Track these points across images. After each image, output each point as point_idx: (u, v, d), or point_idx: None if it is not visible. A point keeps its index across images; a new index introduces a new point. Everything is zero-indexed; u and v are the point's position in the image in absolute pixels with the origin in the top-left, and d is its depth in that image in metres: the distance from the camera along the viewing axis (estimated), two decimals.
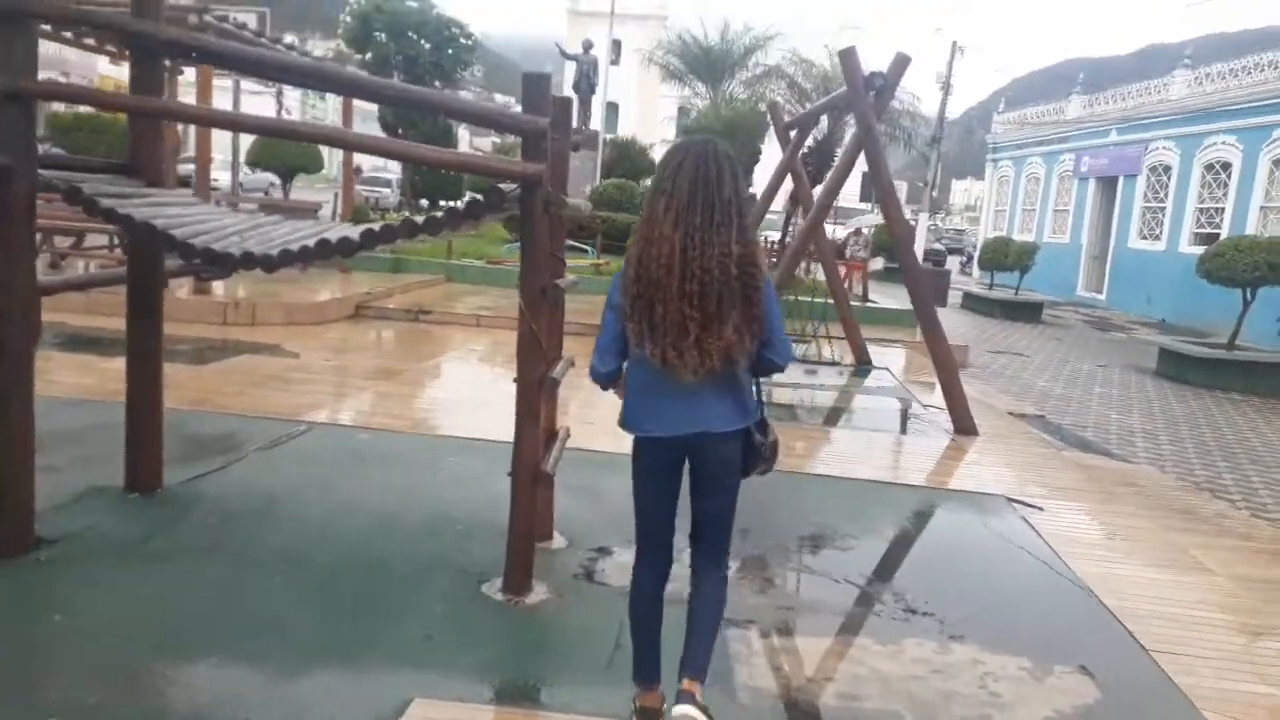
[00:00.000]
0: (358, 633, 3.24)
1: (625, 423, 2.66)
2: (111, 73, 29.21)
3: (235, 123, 3.92)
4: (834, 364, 10.01)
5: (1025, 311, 20.17)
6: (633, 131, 31.85)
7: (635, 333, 2.51)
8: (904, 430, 7.73)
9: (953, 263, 32.17)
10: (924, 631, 3.61)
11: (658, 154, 27.66)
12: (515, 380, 3.50)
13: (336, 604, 3.44)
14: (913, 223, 28.83)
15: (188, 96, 10.95)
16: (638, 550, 2.76)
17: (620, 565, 4.00)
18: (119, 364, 4.63)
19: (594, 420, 6.76)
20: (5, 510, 3.59)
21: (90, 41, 9.31)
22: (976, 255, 28.33)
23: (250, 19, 11.36)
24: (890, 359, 10.66)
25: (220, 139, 20.55)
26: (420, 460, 5.30)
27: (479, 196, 3.43)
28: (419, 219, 3.55)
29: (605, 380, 2.69)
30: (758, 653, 3.34)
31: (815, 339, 10.17)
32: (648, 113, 46.02)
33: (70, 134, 16.70)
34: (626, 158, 23.77)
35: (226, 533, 4.03)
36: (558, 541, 4.19)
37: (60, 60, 34.18)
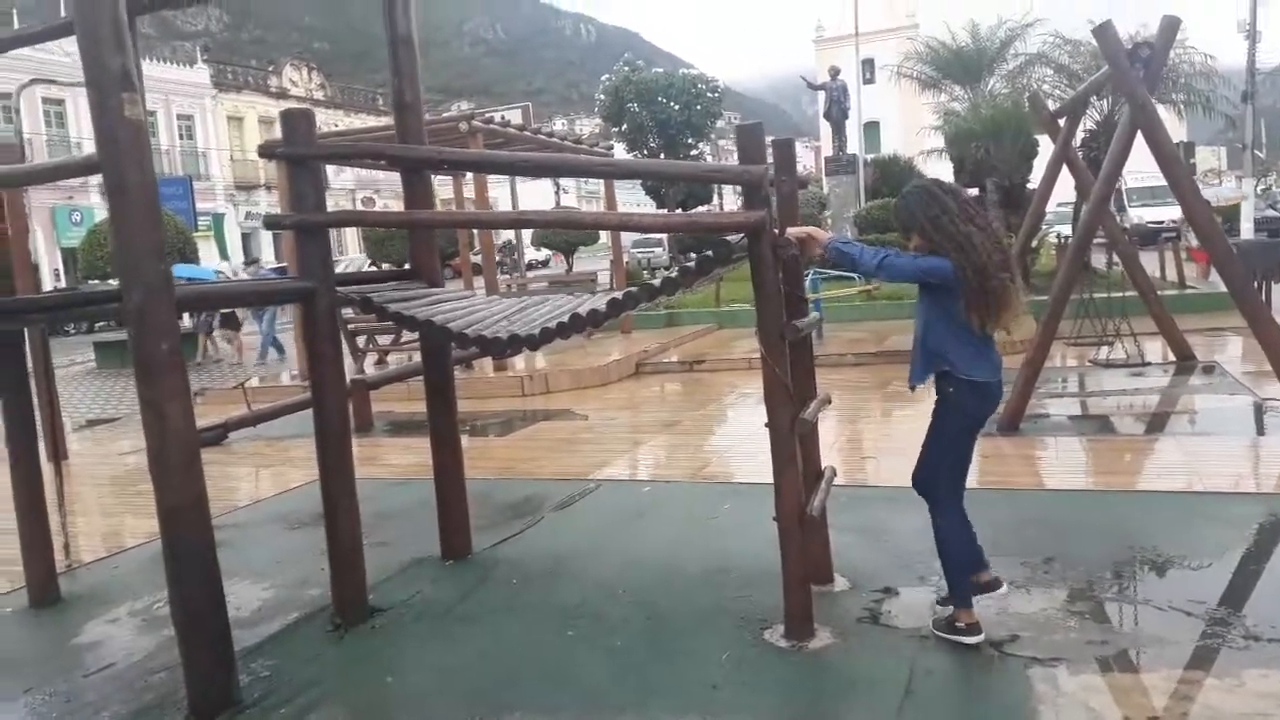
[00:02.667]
0: (647, 683, 3.35)
1: (964, 369, 3.30)
2: None
3: (479, 221, 4.30)
4: (1146, 364, 9.01)
5: None
6: (896, 148, 30.91)
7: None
8: (1243, 430, 6.76)
9: None
10: (1270, 661, 3.11)
11: (923, 166, 26.67)
12: (767, 426, 3.50)
13: (625, 655, 3.58)
14: (1236, 193, 25.47)
15: (471, 190, 12.13)
16: (956, 497, 3.46)
17: (906, 606, 3.84)
18: None
19: (877, 453, 6.57)
20: (345, 584, 4.10)
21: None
22: None
23: (515, 115, 12.43)
24: (1221, 351, 9.43)
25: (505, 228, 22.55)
26: (699, 509, 5.41)
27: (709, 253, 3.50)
28: (657, 282, 3.68)
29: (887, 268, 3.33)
30: (1065, 693, 3.04)
31: (1120, 338, 9.23)
32: (909, 126, 44.44)
33: (383, 245, 19.10)
34: (891, 175, 23.15)
35: (525, 592, 4.33)
36: (839, 584, 4.09)
37: (372, 180, 39.31)
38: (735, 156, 3.51)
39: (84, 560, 5.24)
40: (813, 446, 4.00)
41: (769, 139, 3.65)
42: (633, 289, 3.70)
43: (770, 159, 3.65)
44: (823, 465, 4.12)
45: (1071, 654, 3.26)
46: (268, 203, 39.35)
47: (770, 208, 3.28)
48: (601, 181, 16.50)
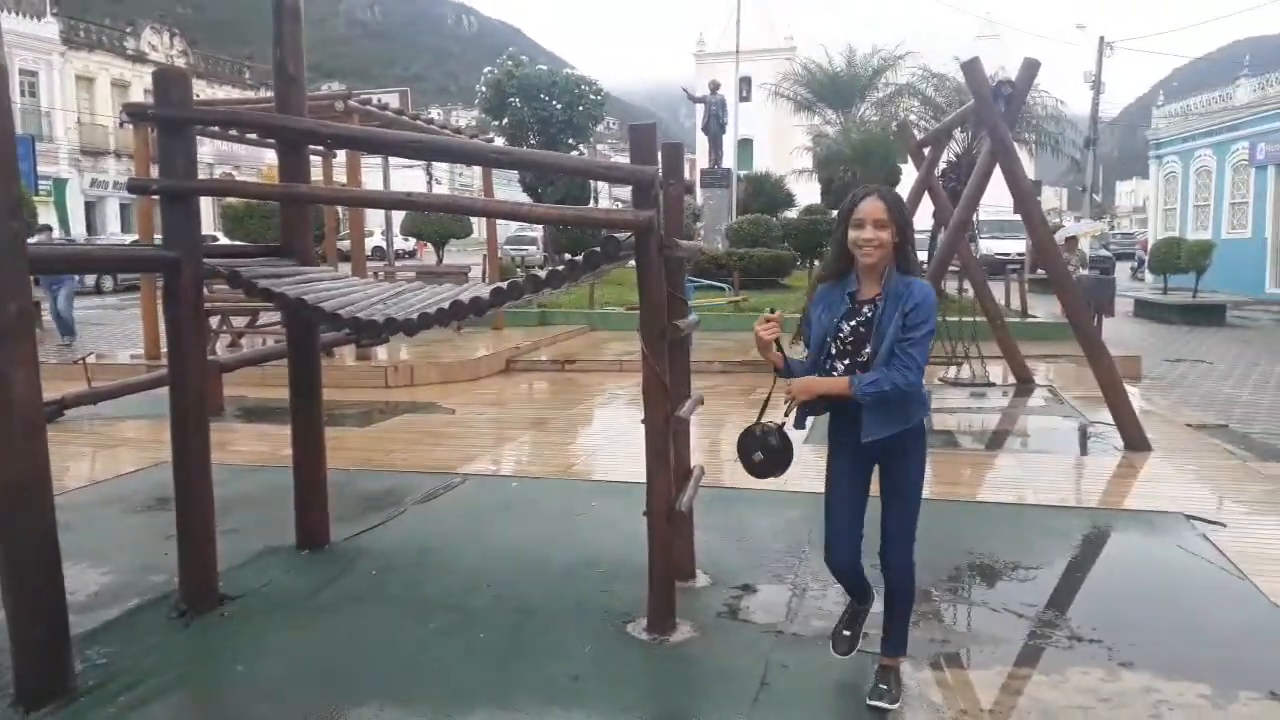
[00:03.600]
0: (508, 675, 3.35)
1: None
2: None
3: (366, 200, 4.19)
4: (989, 384, 9.60)
5: (1206, 314, 18.73)
6: (767, 165, 31.86)
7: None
8: (1071, 450, 7.31)
9: (1123, 269, 30.28)
10: (1090, 659, 3.39)
11: (793, 185, 27.57)
12: (643, 422, 3.56)
13: (488, 648, 3.57)
14: (1095, 225, 27.32)
15: (341, 175, 11.79)
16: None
17: (762, 602, 3.97)
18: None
19: (735, 457, 6.75)
20: (194, 571, 3.92)
21: (252, 136, 10.16)
22: (1147, 259, 26.57)
23: (393, 99, 12.16)
24: (1056, 376, 10.14)
25: (375, 214, 21.96)
26: (566, 505, 5.44)
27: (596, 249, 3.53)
28: (541, 274, 3.69)
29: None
30: (909, 688, 3.22)
31: (969, 359, 9.80)
32: (781, 145, 45.90)
33: (243, 221, 18.27)
34: (762, 192, 23.79)
35: (386, 583, 4.25)
36: (701, 580, 4.19)
37: (231, 155, 37.56)
38: (615, 160, 3.55)
39: None
40: (684, 445, 4.09)
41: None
42: (518, 280, 3.70)
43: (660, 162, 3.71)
44: (692, 464, 4.22)
45: (915, 651, 3.44)
46: (117, 170, 36.91)
47: (659, 208, 3.34)
48: (477, 175, 16.29)
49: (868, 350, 2.87)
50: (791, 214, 23.29)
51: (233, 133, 9.58)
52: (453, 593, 4.10)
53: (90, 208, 36.63)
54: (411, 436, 7.52)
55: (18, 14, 35.00)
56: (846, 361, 2.91)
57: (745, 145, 37.88)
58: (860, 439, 2.90)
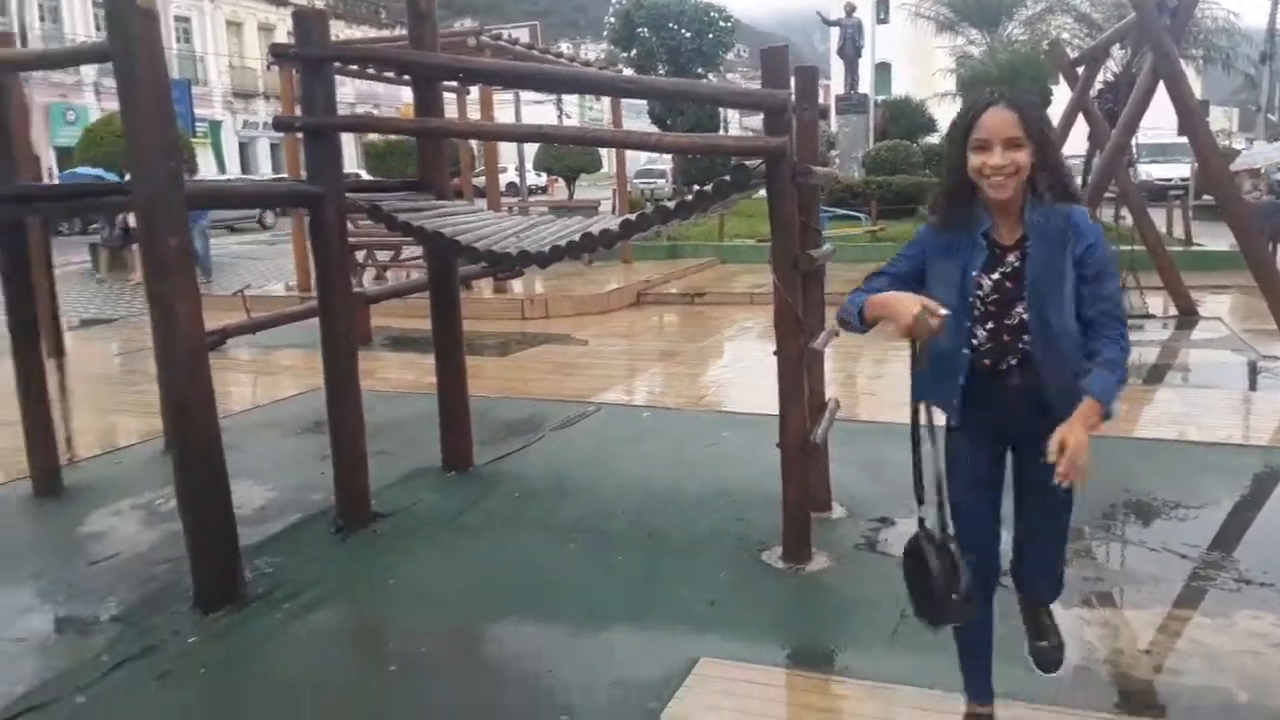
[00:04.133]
0: (645, 597, 3.41)
1: None
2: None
3: (498, 133, 4.21)
4: (1149, 316, 9.02)
5: None
6: (906, 90, 30.49)
7: None
8: (1240, 385, 6.80)
9: None
10: (1261, 603, 3.18)
11: (934, 109, 26.32)
12: (775, 353, 3.50)
13: (625, 570, 3.64)
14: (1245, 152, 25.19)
15: (475, 113, 11.94)
16: None
17: (902, 535, 3.86)
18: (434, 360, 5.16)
19: (875, 392, 6.61)
20: (348, 490, 4.14)
21: (389, 75, 10.34)
22: None
23: (523, 34, 12.18)
24: (1223, 308, 9.43)
25: (508, 149, 22.25)
26: (698, 436, 5.45)
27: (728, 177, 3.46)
28: (670, 204, 3.64)
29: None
30: (1069, 627, 3.10)
31: (1126, 290, 9.21)
32: (921, 68, 43.71)
33: (384, 159, 18.84)
34: (902, 117, 22.81)
35: (527, 506, 4.38)
36: (837, 511, 4.14)
37: (371, 94, 38.68)
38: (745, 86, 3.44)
39: (85, 455, 5.25)
40: (818, 378, 4.01)
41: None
42: (646, 211, 3.67)
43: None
44: (826, 397, 4.14)
45: (1066, 590, 3.31)
46: (266, 112, 38.55)
47: (792, 134, 3.22)
48: (607, 109, 16.22)
49: (1019, 310, 2.16)
50: (933, 139, 22.28)
51: (370, 71, 9.77)
52: (589, 517, 4.19)
53: (243, 148, 38.49)
54: (547, 366, 7.68)
55: None
56: (990, 326, 2.19)
57: (883, 69, 36.22)
58: (1011, 423, 2.26)
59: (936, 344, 2.15)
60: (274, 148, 38.85)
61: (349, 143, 44.68)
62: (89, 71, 29.65)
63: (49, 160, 31.07)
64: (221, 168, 33.81)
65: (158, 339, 3.25)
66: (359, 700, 2.82)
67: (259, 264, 16.89)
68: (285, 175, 14.93)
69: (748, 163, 3.43)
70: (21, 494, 4.58)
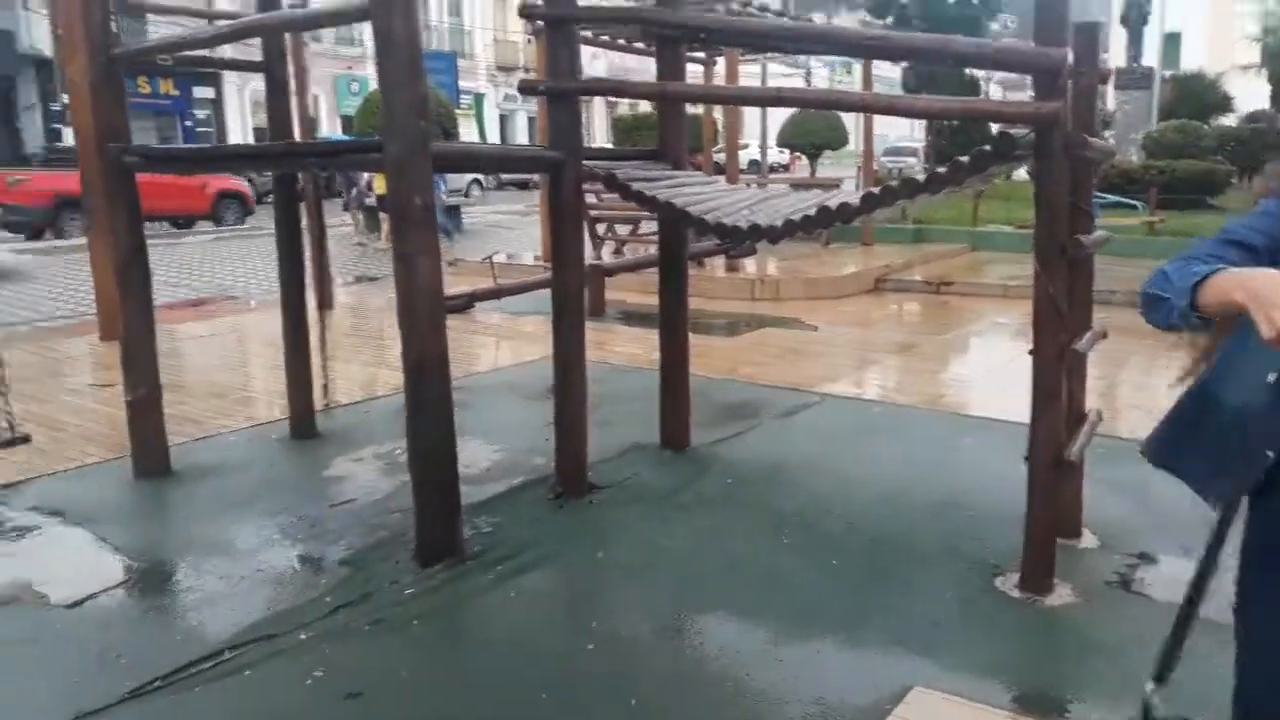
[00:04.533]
0: (860, 605, 3.18)
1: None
2: None
3: (736, 97, 4.05)
4: None
5: None
6: (1198, 63, 27.30)
7: None
8: None
9: None
10: None
11: (1233, 86, 23.36)
12: (1031, 353, 3.13)
13: (840, 573, 3.42)
14: None
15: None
16: None
17: (1165, 576, 3.41)
18: None
19: (1142, 405, 5.91)
20: (567, 458, 4.18)
21: (622, 42, 10.38)
22: None
23: (773, 1, 11.87)
24: None
25: (751, 125, 22.04)
26: (934, 437, 5.08)
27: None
28: (921, 177, 3.33)
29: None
30: None
31: None
32: (1218, 38, 39.05)
33: (631, 133, 19.17)
34: (1191, 94, 20.44)
35: (741, 491, 4.25)
36: (1087, 540, 3.69)
37: (623, 68, 39.68)
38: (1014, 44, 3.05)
39: (340, 402, 5.66)
40: (1079, 384, 3.57)
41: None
42: (892, 184, 3.38)
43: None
44: (1086, 408, 3.69)
45: None
46: None
47: (1066, 100, 2.82)
48: (857, 82, 15.58)
49: None
50: (1228, 120, 19.80)
51: (620, 41, 9.89)
52: (806, 513, 3.99)
53: (503, 120, 40.66)
54: (773, 351, 7.48)
55: None
56: None
57: (1171, 40, 32.64)
58: None
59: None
60: (530, 120, 40.81)
61: (599, 116, 46.24)
62: (372, 44, 32.04)
63: (335, 129, 34.24)
64: (483, 138, 35.89)
65: (399, 293, 3.37)
66: (555, 672, 2.80)
67: (511, 233, 17.76)
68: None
69: (1013, 131, 3.06)
70: (280, 434, 5.01)
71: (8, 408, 3.88)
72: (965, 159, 3.14)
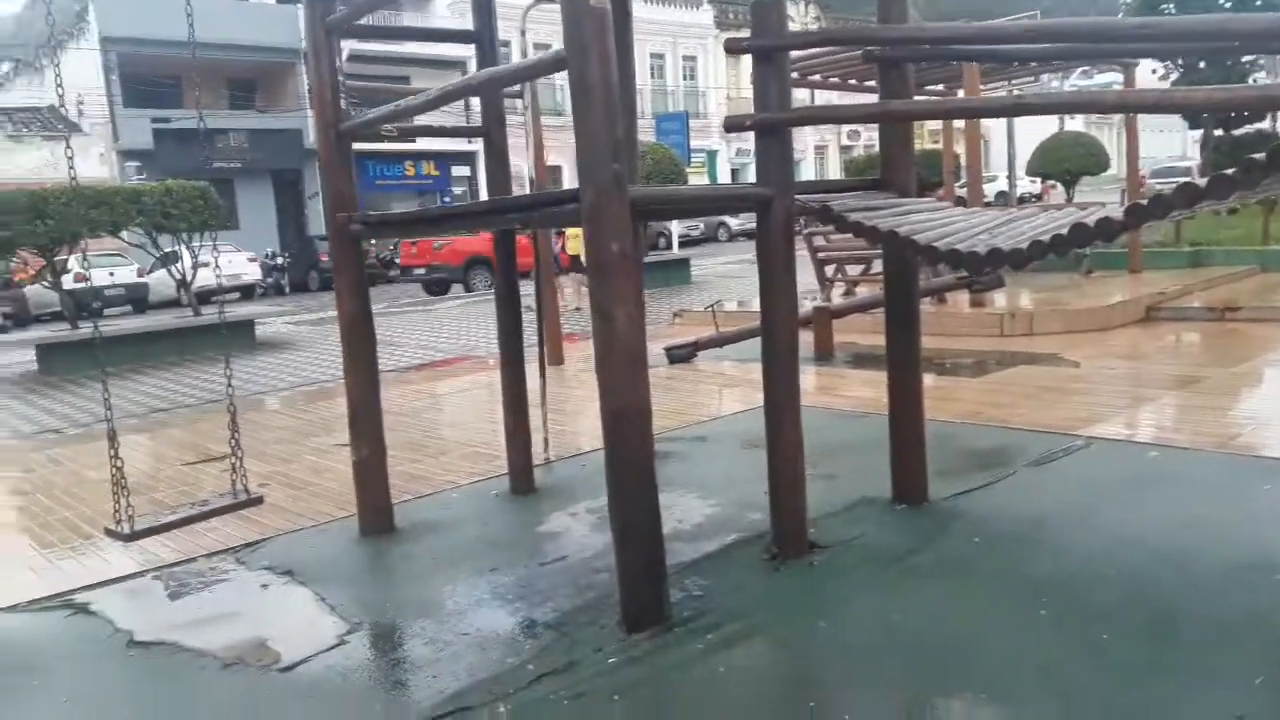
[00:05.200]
0: (1139, 692, 2.62)
1: None
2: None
3: (967, 109, 3.62)
4: None
5: None
6: None
7: None
8: None
9: None
10: None
11: None
12: None
13: (1113, 656, 2.84)
14: None
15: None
16: None
17: None
18: None
19: None
20: (784, 516, 3.84)
21: (835, 79, 9.97)
22: None
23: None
24: None
25: (998, 155, 20.74)
26: (1225, 487, 4.27)
27: None
28: (1202, 182, 2.77)
29: None
30: None
31: None
32: None
33: (864, 174, 18.60)
34: None
35: (988, 553, 3.71)
36: None
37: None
38: None
39: (561, 456, 5.63)
40: None
41: None
42: (1163, 193, 2.83)
43: None
44: None
45: None
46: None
47: None
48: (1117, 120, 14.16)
49: None
50: None
51: (833, 80, 9.55)
52: (1068, 578, 3.40)
53: (734, 174, 41.11)
54: (1026, 390, 6.73)
55: (682, 6, 40.44)
56: None
57: None
58: None
59: None
60: None
61: (833, 158, 45.56)
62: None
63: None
64: None
65: (597, 344, 3.23)
66: None
67: (740, 282, 17.66)
68: None
69: None
70: (500, 489, 5.02)
71: (242, 470, 4.10)
72: (1258, 158, 2.57)
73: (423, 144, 29.07)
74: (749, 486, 4.69)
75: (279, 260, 26.65)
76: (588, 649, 3.10)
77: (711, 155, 39.49)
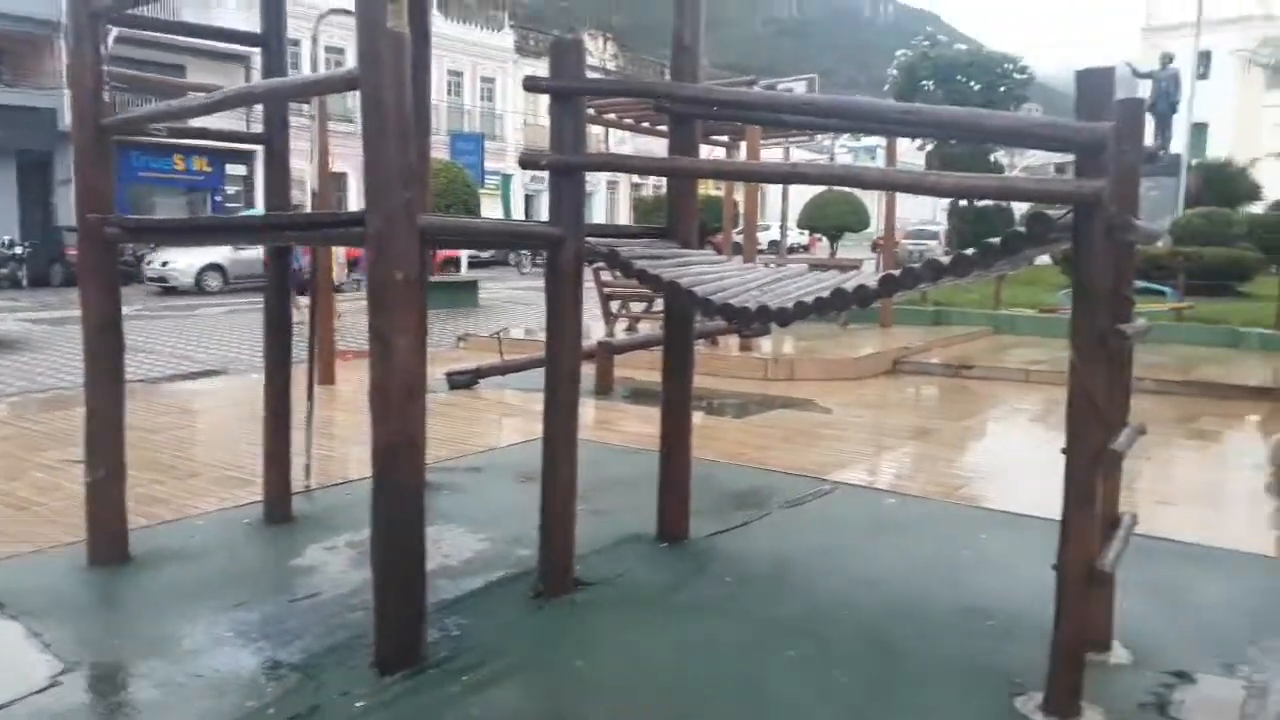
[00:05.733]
0: None
1: None
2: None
3: (749, 173, 3.85)
4: None
5: None
6: (1226, 152, 27.28)
7: None
8: None
9: None
10: None
11: (1262, 174, 23.18)
12: (1063, 451, 2.82)
13: (845, 694, 3.06)
14: None
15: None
16: None
17: (1207, 699, 3.04)
18: None
19: (1175, 500, 5.52)
20: (551, 552, 3.86)
21: (645, 125, 10.30)
22: None
23: (799, 86, 11.87)
24: None
25: (772, 207, 22.06)
26: (951, 533, 4.72)
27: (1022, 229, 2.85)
28: (945, 259, 3.08)
29: None
30: None
31: None
32: (1247, 128, 39.12)
33: (651, 214, 19.22)
34: (1219, 182, 20.31)
35: (741, 595, 3.90)
36: (1118, 655, 3.32)
37: (649, 149, 40.35)
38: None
39: (321, 484, 5.38)
40: (1114, 486, 3.24)
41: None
42: (914, 266, 3.12)
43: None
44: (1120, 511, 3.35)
45: None
46: None
47: (1109, 179, 2.57)
48: (880, 163, 15.49)
49: None
50: (1256, 208, 19.58)
51: (627, 120, 9.82)
52: (812, 619, 3.63)
53: (529, 200, 41.19)
54: (784, 434, 7.16)
55: (484, 28, 40.28)
56: None
57: (1198, 130, 32.73)
58: None
59: None
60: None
61: (624, 196, 46.69)
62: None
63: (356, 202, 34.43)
64: (508, 216, 36.28)
65: (373, 374, 3.13)
66: None
67: (528, 309, 17.66)
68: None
69: (1049, 212, 2.81)
70: (254, 518, 4.72)
71: None
72: (995, 242, 2.89)
73: None
74: (520, 521, 4.66)
75: (17, 250, 23.87)
76: (335, 692, 2.97)
77: (506, 180, 39.32)
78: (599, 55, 45.56)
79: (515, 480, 5.62)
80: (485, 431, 7.26)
